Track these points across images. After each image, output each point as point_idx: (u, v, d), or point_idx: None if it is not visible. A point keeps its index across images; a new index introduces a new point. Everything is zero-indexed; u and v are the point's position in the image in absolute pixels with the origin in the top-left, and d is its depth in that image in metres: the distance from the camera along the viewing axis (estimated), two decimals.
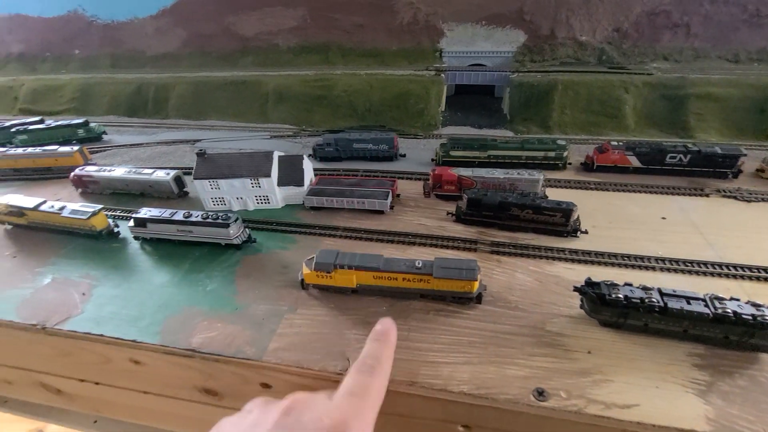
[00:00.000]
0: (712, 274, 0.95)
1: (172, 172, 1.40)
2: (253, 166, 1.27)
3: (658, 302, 0.76)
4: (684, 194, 1.27)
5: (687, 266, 0.98)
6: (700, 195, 1.26)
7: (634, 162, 1.36)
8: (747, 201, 1.21)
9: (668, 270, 0.98)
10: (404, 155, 1.62)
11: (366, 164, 1.58)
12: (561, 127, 1.74)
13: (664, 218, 1.16)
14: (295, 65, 2.25)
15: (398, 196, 1.33)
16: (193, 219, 1.11)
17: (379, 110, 1.92)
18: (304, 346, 0.85)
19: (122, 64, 2.64)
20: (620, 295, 0.78)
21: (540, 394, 0.72)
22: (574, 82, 1.75)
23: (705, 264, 0.98)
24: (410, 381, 0.76)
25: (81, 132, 1.96)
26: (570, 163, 1.47)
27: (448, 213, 1.22)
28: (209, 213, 1.12)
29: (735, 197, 1.24)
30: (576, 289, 0.85)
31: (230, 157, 1.30)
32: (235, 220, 1.10)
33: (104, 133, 2.03)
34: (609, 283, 0.82)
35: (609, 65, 1.87)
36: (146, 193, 1.44)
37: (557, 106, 1.75)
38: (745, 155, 1.31)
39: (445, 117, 1.96)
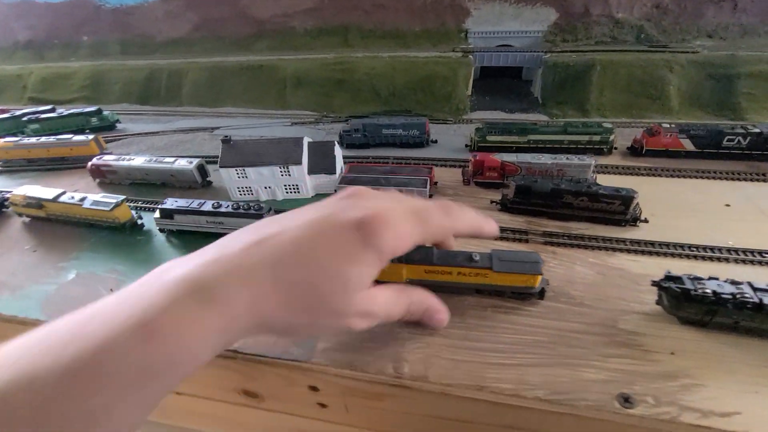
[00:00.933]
0: None
1: (195, 161, 1.33)
2: (283, 153, 1.20)
3: (752, 298, 0.69)
4: (745, 179, 1.18)
5: (765, 257, 0.90)
6: (762, 180, 1.18)
7: (688, 145, 1.27)
8: None
9: (743, 262, 0.91)
10: (435, 141, 1.54)
11: (396, 151, 1.50)
12: (599, 110, 1.64)
13: (728, 205, 1.08)
14: (312, 48, 2.15)
15: (435, 184, 1.25)
16: (223, 209, 1.04)
17: (403, 94, 1.83)
18: (355, 346, 0.79)
19: (132, 50, 2.55)
20: (708, 291, 0.71)
21: (626, 400, 0.65)
22: (613, 62, 1.65)
23: None
24: (477, 385, 0.69)
25: (94, 120, 1.89)
26: (616, 148, 1.38)
27: (492, 201, 1.15)
28: (240, 203, 1.05)
29: None
30: (655, 283, 0.78)
31: (257, 144, 1.22)
32: (268, 210, 1.03)
33: (118, 121, 1.96)
34: (692, 276, 0.74)
35: (649, 44, 1.76)
36: (168, 182, 1.37)
37: (595, 88, 1.65)
38: None
39: (473, 101, 1.86)
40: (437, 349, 0.82)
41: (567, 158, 1.14)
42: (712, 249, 0.93)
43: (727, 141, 1.23)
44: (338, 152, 1.26)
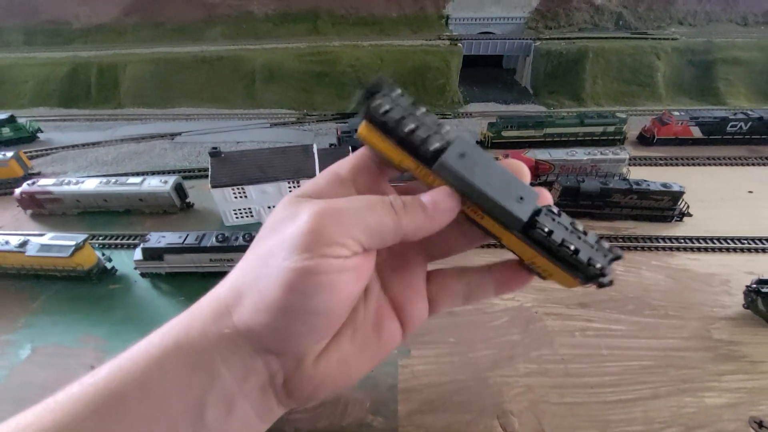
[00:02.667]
0: None
1: (171, 179, 1.07)
2: (290, 165, 1.00)
3: None
4: (750, 164, 1.23)
5: None
6: (765, 164, 1.23)
7: (696, 133, 1.29)
8: None
9: None
10: None
11: None
12: (594, 98, 1.63)
13: (750, 192, 1.10)
14: (278, 37, 1.89)
15: None
16: (233, 243, 0.83)
17: None
18: (446, 403, 0.65)
19: (41, 39, 2.07)
20: None
21: (760, 425, 0.60)
22: (605, 49, 1.64)
23: None
24: None
25: (7, 131, 1.47)
26: (626, 138, 1.36)
27: None
28: (252, 234, 0.84)
29: None
30: (752, 290, 0.73)
31: (257, 156, 1.01)
32: None
33: (39, 130, 1.56)
34: None
35: (628, 31, 1.78)
36: (134, 209, 1.10)
37: (589, 76, 1.63)
38: None
39: (463, 93, 1.77)
40: (542, 393, 0.71)
41: (601, 153, 1.09)
42: (761, 240, 0.93)
43: (730, 127, 1.26)
44: None
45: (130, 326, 0.80)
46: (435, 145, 0.19)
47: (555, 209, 0.19)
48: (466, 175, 0.19)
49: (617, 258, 0.20)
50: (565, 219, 0.20)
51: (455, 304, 0.30)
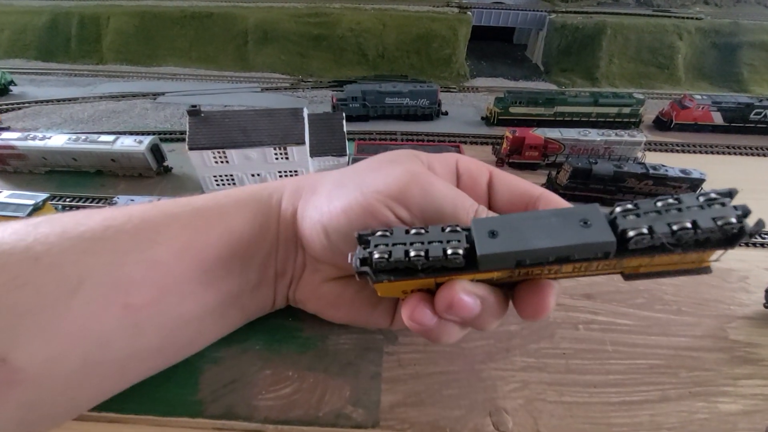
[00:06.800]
0: None
1: (147, 140, 0.98)
2: (278, 129, 0.91)
3: None
4: None
5: None
6: None
7: (717, 119, 1.20)
8: None
9: None
10: (446, 113, 1.32)
11: (401, 124, 1.26)
12: (608, 79, 1.53)
13: None
14: None
15: None
16: None
17: (394, 56, 1.56)
18: (433, 396, 0.59)
19: None
20: None
21: None
22: (624, 26, 1.53)
23: None
24: None
25: None
26: (642, 121, 1.28)
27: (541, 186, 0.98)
28: None
29: None
30: None
31: (241, 117, 0.91)
32: None
33: (12, 83, 1.45)
34: None
35: (650, 7, 1.66)
36: (106, 170, 1.01)
37: (605, 54, 1.53)
38: None
39: (470, 66, 1.66)
40: (539, 390, 0.65)
41: (616, 134, 1.00)
42: None
43: (754, 114, 1.18)
44: (345, 128, 0.99)
45: None
46: (458, 248, 0.15)
47: (625, 203, 0.14)
48: (519, 246, 0.14)
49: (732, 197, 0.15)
50: (645, 204, 0.14)
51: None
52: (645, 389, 0.61)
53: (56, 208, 0.82)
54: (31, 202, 0.76)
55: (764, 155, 1.14)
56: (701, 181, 0.88)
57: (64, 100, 1.37)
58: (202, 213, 0.22)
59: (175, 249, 0.21)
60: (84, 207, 0.91)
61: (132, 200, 0.76)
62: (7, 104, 1.35)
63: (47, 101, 1.36)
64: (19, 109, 1.32)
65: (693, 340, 0.69)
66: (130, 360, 0.21)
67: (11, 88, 1.46)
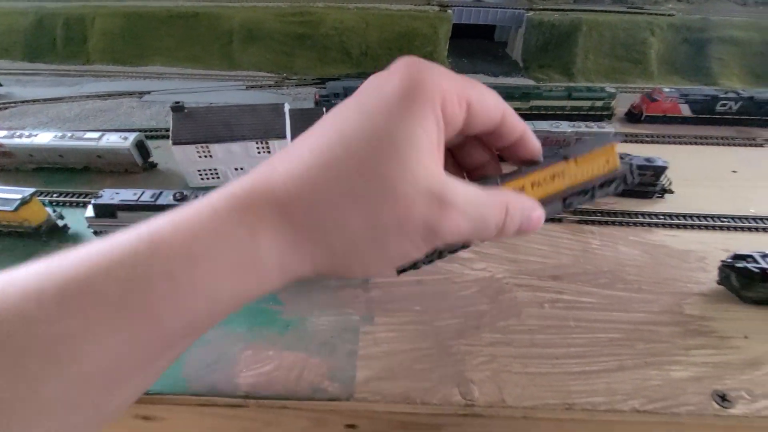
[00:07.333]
0: None
1: (132, 136, 1.00)
2: (260, 123, 0.94)
3: None
4: (737, 145, 1.20)
5: None
6: (753, 145, 1.20)
7: (685, 111, 1.26)
8: None
9: None
10: None
11: None
12: (584, 74, 1.58)
13: (734, 172, 1.08)
14: None
15: None
16: (191, 202, 0.78)
17: (377, 54, 1.60)
18: (406, 370, 0.63)
19: None
20: None
21: (723, 398, 0.58)
22: (599, 23, 1.58)
23: None
24: (565, 404, 0.58)
25: None
26: (614, 113, 1.32)
27: None
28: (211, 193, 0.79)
29: None
30: (726, 265, 0.71)
31: (224, 113, 0.94)
32: None
33: None
34: (764, 254, 0.70)
35: (624, 4, 1.72)
36: (93, 166, 1.03)
37: (581, 51, 1.58)
38: None
39: (451, 64, 1.70)
40: (505, 362, 0.69)
41: (587, 126, 1.05)
42: (740, 219, 0.91)
43: (720, 106, 1.23)
44: None
45: None
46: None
47: None
48: None
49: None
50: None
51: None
52: (604, 360, 0.67)
53: (44, 203, 0.85)
54: (19, 196, 0.79)
55: (728, 145, 1.20)
56: (664, 168, 0.92)
57: (50, 99, 1.39)
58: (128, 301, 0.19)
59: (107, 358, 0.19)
60: (71, 202, 0.94)
61: (117, 193, 0.79)
62: None
63: (34, 101, 1.37)
64: (6, 109, 1.33)
65: (651, 315, 0.74)
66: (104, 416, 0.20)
67: None
